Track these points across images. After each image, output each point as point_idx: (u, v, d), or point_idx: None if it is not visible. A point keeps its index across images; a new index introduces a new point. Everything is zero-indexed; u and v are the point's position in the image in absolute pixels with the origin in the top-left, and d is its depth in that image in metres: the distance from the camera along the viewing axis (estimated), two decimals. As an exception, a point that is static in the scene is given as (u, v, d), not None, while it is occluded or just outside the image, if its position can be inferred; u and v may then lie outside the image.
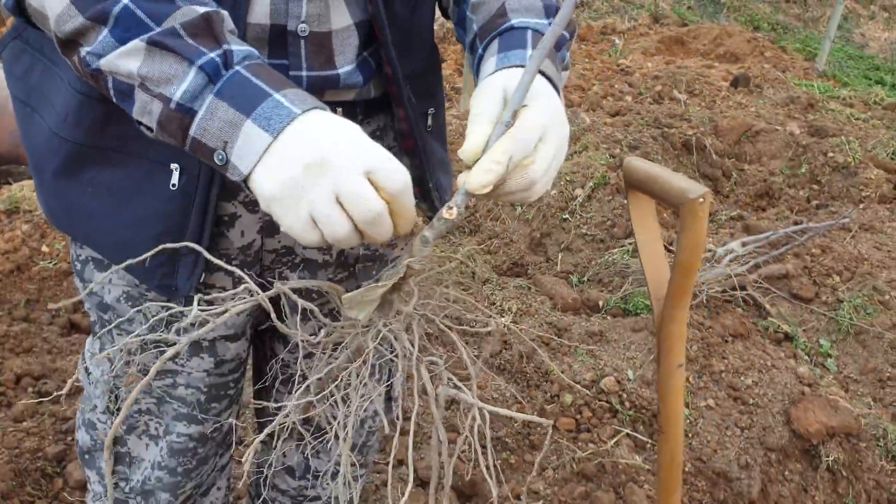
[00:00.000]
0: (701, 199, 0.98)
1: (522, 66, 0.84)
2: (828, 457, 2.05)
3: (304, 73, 0.93)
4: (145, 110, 0.74)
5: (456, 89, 4.26)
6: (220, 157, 0.73)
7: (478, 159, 0.76)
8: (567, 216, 3.13)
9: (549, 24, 0.90)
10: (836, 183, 3.67)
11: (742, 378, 2.21)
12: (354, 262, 1.16)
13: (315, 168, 0.70)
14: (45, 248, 3.01)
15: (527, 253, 3.08)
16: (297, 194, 0.70)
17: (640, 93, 4.40)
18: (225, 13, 0.76)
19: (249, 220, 1.01)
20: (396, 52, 0.96)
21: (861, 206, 3.40)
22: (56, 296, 2.78)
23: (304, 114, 0.72)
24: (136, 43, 0.71)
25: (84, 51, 0.74)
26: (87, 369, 1.18)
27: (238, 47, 0.74)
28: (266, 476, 1.48)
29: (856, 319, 2.48)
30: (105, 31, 0.72)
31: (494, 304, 2.55)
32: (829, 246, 2.81)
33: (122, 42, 0.72)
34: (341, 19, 0.93)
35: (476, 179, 0.75)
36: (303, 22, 0.91)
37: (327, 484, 1.43)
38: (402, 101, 0.99)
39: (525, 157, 0.77)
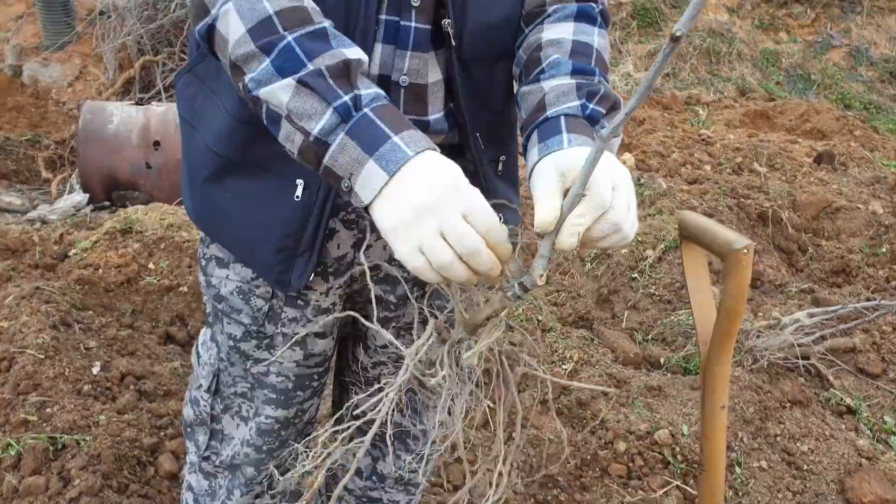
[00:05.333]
0: (745, 250, 1.10)
1: (562, 149, 0.97)
2: (883, 532, 2.04)
3: None
4: (289, 139, 0.92)
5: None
6: (346, 185, 0.89)
7: (551, 227, 0.87)
8: (636, 275, 3.22)
9: (582, 104, 1.02)
10: (919, 265, 3.62)
11: (798, 444, 2.23)
12: None
13: (423, 210, 0.85)
14: (151, 266, 3.32)
15: (593, 308, 3.18)
16: (408, 229, 0.86)
17: (719, 163, 4.47)
18: (363, 58, 0.93)
19: (346, 236, 1.19)
20: (472, 107, 1.14)
21: (943, 290, 3.34)
22: (157, 309, 3.07)
23: (417, 156, 0.87)
24: (289, 80, 0.89)
25: (248, 77, 0.92)
26: (198, 353, 1.38)
27: (367, 91, 0.90)
28: (335, 474, 1.64)
29: (924, 400, 2.45)
30: (267, 61, 0.90)
31: (556, 351, 2.66)
32: (902, 325, 2.80)
33: (279, 71, 0.89)
34: (434, 75, 1.12)
35: (564, 242, 0.88)
36: (404, 75, 1.10)
37: (390, 488, 1.57)
38: (471, 149, 1.16)
39: (604, 211, 0.89)
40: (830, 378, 2.49)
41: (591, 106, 1.03)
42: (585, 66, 1.07)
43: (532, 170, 0.99)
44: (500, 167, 1.28)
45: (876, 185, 4.26)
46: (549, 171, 0.94)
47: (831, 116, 5.50)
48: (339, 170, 0.89)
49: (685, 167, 4.44)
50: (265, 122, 0.94)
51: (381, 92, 0.92)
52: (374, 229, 1.22)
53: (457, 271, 0.87)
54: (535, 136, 1.03)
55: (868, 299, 2.98)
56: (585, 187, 0.86)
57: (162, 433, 2.23)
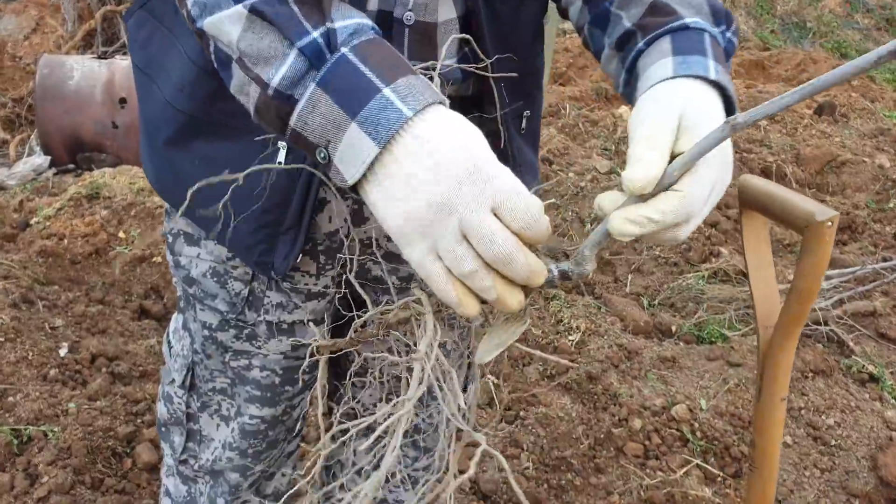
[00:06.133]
0: (829, 223, 0.92)
1: (704, 78, 0.75)
2: (915, 509, 1.93)
3: None
4: (242, 90, 0.69)
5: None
6: (322, 155, 0.66)
7: (644, 192, 0.66)
8: (640, 236, 3.06)
9: (721, 31, 0.82)
10: (926, 221, 3.50)
11: (823, 417, 2.10)
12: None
13: (438, 207, 0.63)
14: (121, 234, 3.09)
15: (594, 271, 3.02)
16: (422, 230, 0.64)
17: (718, 116, 4.29)
18: None
19: (338, 207, 1.00)
20: (494, 50, 0.93)
21: (952, 246, 3.23)
22: (129, 281, 2.86)
23: (417, 116, 0.64)
24: (238, 8, 0.66)
25: (191, 1, 0.70)
26: (169, 342, 1.19)
27: (344, 22, 0.67)
28: (334, 473, 1.48)
29: (948, 365, 2.34)
30: None
31: (562, 321, 2.50)
32: (921, 286, 2.67)
33: None
34: (446, 11, 0.91)
35: (621, 227, 0.67)
36: (409, 10, 0.88)
37: (396, 487, 1.41)
38: (494, 101, 0.95)
39: (687, 221, 0.69)
40: (851, 344, 2.36)
41: (727, 35, 0.83)
42: None
43: (654, 85, 0.75)
44: (523, 124, 1.07)
45: (879, 138, 4.11)
46: (670, 112, 0.70)
47: (828, 66, 5.32)
48: (312, 135, 0.66)
49: (683, 120, 4.25)
50: (216, 64, 0.71)
51: (366, 21, 0.69)
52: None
53: (483, 282, 0.64)
54: (666, 44, 0.79)
55: (884, 259, 2.84)
56: (683, 174, 0.65)
57: (139, 420, 2.04)
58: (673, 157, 0.69)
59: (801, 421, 2.10)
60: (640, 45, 0.82)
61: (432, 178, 0.63)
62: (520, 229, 0.63)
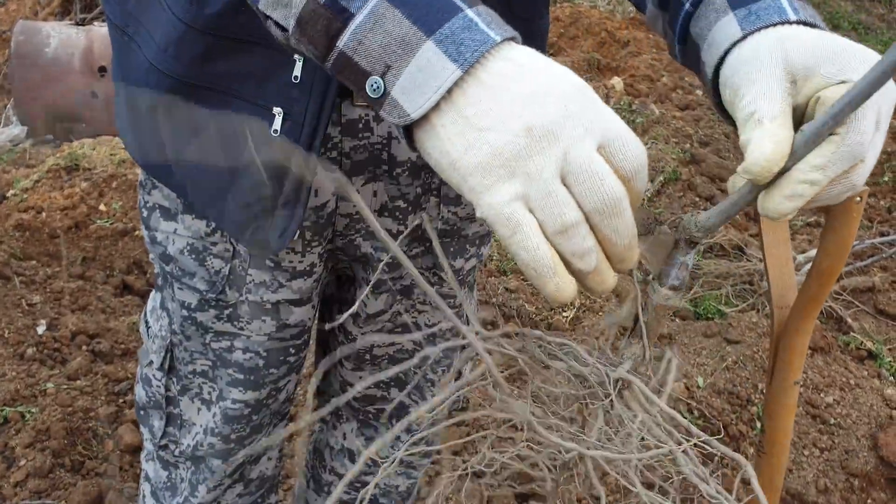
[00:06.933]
0: (858, 198, 0.86)
1: (785, 23, 0.59)
2: (914, 488, 1.91)
3: None
4: (280, 1, 0.57)
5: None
6: (376, 85, 0.54)
7: (771, 174, 0.55)
8: (635, 210, 3.01)
9: None
10: (921, 195, 3.47)
11: (822, 395, 2.07)
12: None
13: (541, 134, 0.50)
14: (102, 207, 3.00)
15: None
16: (513, 166, 0.51)
17: (713, 87, 4.22)
18: None
19: (325, 178, 0.93)
20: (495, 7, 0.85)
21: (948, 221, 3.20)
22: (111, 255, 2.77)
23: (505, 44, 0.54)
24: None
25: None
26: (146, 322, 1.13)
27: None
28: (322, 455, 1.42)
29: (946, 342, 2.31)
30: None
31: (557, 296, 2.45)
32: (919, 261, 2.64)
33: None
34: None
35: (781, 209, 0.55)
36: None
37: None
38: None
39: (854, 164, 0.56)
40: (849, 320, 2.33)
41: None
42: None
43: (726, 53, 0.62)
44: None
45: (875, 111, 4.06)
46: (772, 64, 0.57)
47: (823, 37, 5.25)
48: (367, 58, 0.54)
49: (676, 92, 4.18)
50: None
51: None
52: (391, 166, 0.94)
53: (585, 241, 0.52)
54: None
55: (882, 233, 2.81)
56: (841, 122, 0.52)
57: (121, 400, 1.98)
58: (801, 115, 0.57)
59: (799, 399, 2.07)
60: (687, 6, 0.70)
61: (533, 100, 0.51)
62: (631, 173, 0.52)
